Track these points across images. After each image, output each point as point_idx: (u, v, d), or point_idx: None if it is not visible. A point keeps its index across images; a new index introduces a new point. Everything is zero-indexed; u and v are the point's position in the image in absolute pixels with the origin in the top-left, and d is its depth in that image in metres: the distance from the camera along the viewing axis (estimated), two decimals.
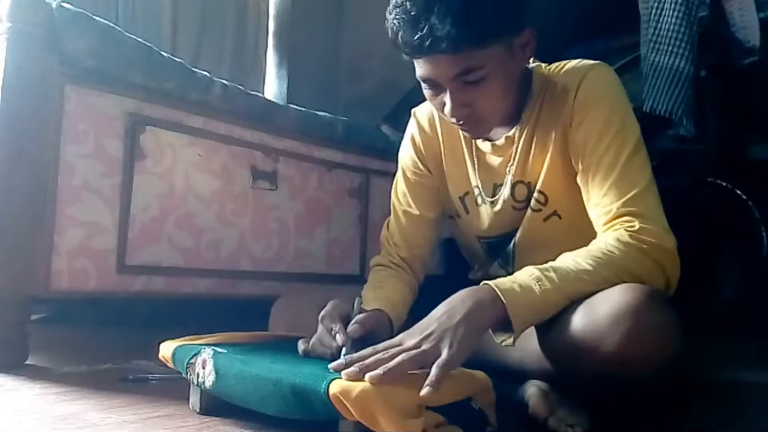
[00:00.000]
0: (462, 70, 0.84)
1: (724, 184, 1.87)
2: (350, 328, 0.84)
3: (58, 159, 1.23)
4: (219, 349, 0.83)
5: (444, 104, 0.90)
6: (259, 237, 1.62)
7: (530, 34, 0.90)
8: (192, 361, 0.84)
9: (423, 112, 1.13)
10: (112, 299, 1.56)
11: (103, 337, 1.74)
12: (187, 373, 0.85)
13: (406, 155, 1.15)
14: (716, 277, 1.88)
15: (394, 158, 1.20)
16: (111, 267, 1.31)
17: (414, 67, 0.90)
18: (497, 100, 0.90)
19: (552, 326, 0.80)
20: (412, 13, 0.82)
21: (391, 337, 0.78)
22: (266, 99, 1.78)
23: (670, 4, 1.70)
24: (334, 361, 0.74)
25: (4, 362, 1.12)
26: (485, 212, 1.06)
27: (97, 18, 1.29)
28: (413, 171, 1.13)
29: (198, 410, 0.87)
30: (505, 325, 0.77)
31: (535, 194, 0.99)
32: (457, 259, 1.25)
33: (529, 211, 1.01)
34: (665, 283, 0.85)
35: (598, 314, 0.75)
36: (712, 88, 1.80)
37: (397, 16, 0.84)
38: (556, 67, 0.99)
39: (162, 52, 1.42)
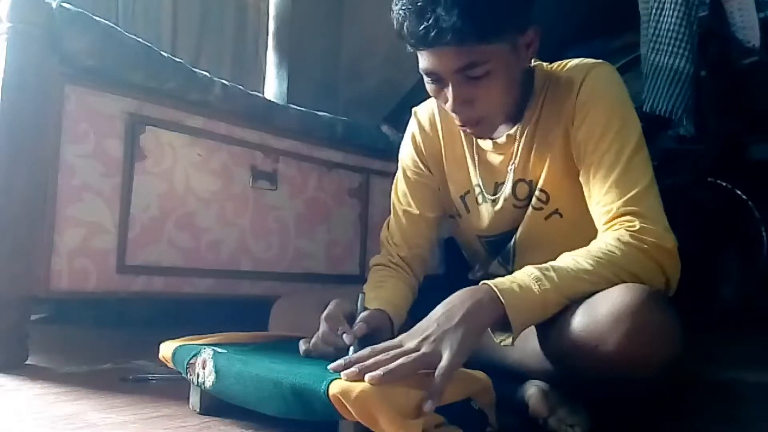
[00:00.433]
0: (465, 64, 0.84)
1: (724, 184, 1.87)
2: (355, 326, 0.84)
3: (58, 159, 1.23)
4: (219, 350, 0.83)
5: (446, 99, 0.90)
6: (259, 237, 1.61)
7: (535, 33, 0.90)
8: (192, 361, 0.84)
9: (424, 112, 1.13)
10: (112, 299, 1.56)
11: (103, 337, 1.74)
12: (187, 373, 0.85)
13: (406, 154, 1.15)
14: (716, 277, 1.88)
15: (394, 158, 1.20)
16: (111, 267, 1.31)
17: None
18: (499, 98, 0.90)
19: (552, 326, 0.79)
20: (419, 4, 0.81)
21: (392, 337, 0.78)
22: (266, 99, 1.78)
23: (670, 4, 1.70)
24: (336, 360, 0.74)
25: (4, 362, 1.12)
26: (486, 211, 1.06)
27: (97, 18, 1.29)
28: (413, 170, 1.13)
29: (198, 410, 0.87)
30: (504, 325, 0.76)
31: (537, 193, 0.99)
32: (457, 259, 1.25)
33: (530, 209, 1.01)
34: (665, 283, 0.85)
35: (598, 314, 0.75)
36: (712, 88, 1.80)
37: (403, 7, 0.83)
38: (558, 65, 0.99)
39: (162, 52, 1.42)
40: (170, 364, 0.89)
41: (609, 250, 0.81)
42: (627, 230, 0.83)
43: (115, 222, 1.31)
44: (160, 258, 1.40)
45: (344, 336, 0.82)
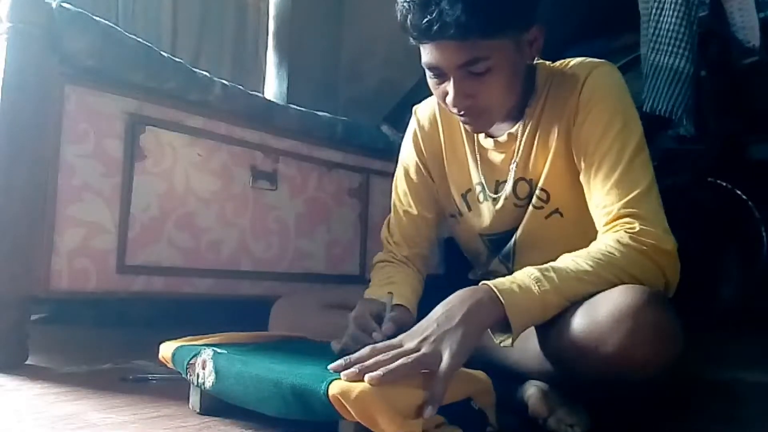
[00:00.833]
0: (468, 59, 0.85)
1: (724, 184, 1.87)
2: (384, 326, 0.85)
3: (58, 159, 1.22)
4: (219, 350, 0.83)
5: (447, 94, 0.90)
6: (259, 237, 1.62)
7: (538, 31, 0.90)
8: (192, 361, 0.84)
9: (424, 111, 1.13)
10: (112, 299, 1.56)
11: (103, 337, 1.74)
12: (187, 374, 0.85)
13: (406, 154, 1.15)
14: (716, 277, 1.89)
15: (394, 158, 1.20)
16: (111, 267, 1.31)
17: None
18: (501, 94, 0.90)
19: (552, 327, 0.79)
20: None
21: None
22: (266, 99, 1.78)
23: (670, 4, 1.70)
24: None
25: (4, 362, 1.12)
26: (487, 209, 1.06)
27: (97, 18, 1.29)
28: (414, 170, 1.13)
29: (198, 410, 0.87)
30: (504, 325, 0.76)
31: (537, 192, 0.99)
32: (457, 259, 1.25)
33: (530, 208, 1.01)
34: (664, 285, 0.85)
35: (598, 314, 0.75)
36: (712, 88, 1.80)
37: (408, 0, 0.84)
38: (561, 64, 0.99)
39: (162, 52, 1.42)
40: (170, 365, 0.89)
41: (608, 252, 0.81)
42: (626, 232, 0.83)
43: (115, 222, 1.31)
44: (160, 258, 1.40)
45: (373, 335, 0.83)
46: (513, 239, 1.04)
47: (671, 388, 0.97)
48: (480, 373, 0.76)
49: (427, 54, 0.87)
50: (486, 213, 1.06)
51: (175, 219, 1.43)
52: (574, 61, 0.98)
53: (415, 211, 1.12)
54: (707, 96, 1.78)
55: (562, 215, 0.99)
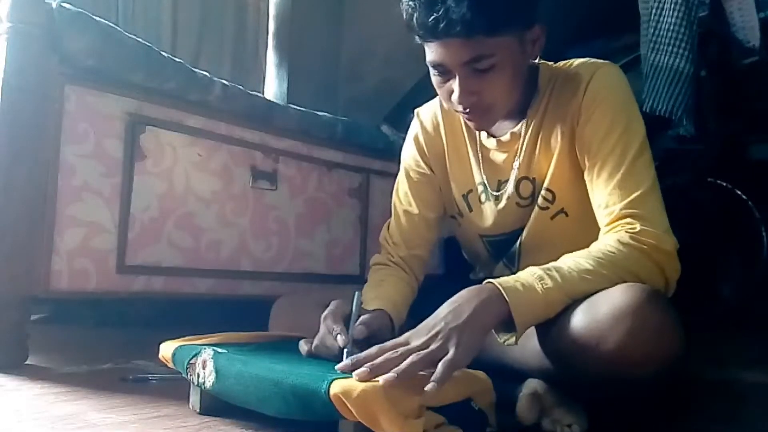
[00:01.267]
0: (473, 56, 0.85)
1: (724, 184, 1.87)
2: (356, 329, 0.83)
3: (58, 159, 1.22)
4: (219, 350, 0.83)
5: (451, 92, 0.90)
6: (259, 237, 1.61)
7: (541, 30, 0.91)
8: (192, 361, 0.84)
9: (426, 112, 1.14)
10: (112, 299, 1.56)
11: (103, 337, 1.74)
12: (187, 374, 0.85)
13: (408, 155, 1.15)
14: (716, 277, 1.89)
15: (394, 158, 1.20)
16: (111, 267, 1.31)
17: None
18: (504, 91, 0.91)
19: (552, 325, 0.79)
20: None
21: (393, 337, 0.78)
22: (266, 99, 1.78)
23: (670, 4, 1.70)
24: (336, 361, 0.74)
25: (4, 362, 1.12)
26: (489, 209, 1.06)
27: (97, 18, 1.29)
28: (416, 171, 1.13)
29: (198, 410, 0.87)
30: (507, 324, 0.77)
31: (543, 192, 0.99)
32: (457, 259, 1.25)
33: (536, 209, 1.01)
34: (664, 285, 0.85)
35: (598, 313, 0.75)
36: (712, 88, 1.80)
37: None
38: (564, 64, 1.00)
39: (162, 52, 1.42)
40: (170, 364, 0.89)
41: (609, 251, 0.82)
42: (627, 232, 0.83)
43: (115, 222, 1.31)
44: (160, 258, 1.40)
45: (338, 338, 0.82)
46: (518, 241, 1.04)
47: (671, 388, 0.97)
48: (480, 373, 0.76)
49: (432, 52, 0.88)
50: (488, 213, 1.06)
51: (175, 219, 1.43)
52: (577, 61, 0.98)
53: (415, 211, 1.12)
54: (707, 96, 1.78)
55: (567, 215, 0.99)
